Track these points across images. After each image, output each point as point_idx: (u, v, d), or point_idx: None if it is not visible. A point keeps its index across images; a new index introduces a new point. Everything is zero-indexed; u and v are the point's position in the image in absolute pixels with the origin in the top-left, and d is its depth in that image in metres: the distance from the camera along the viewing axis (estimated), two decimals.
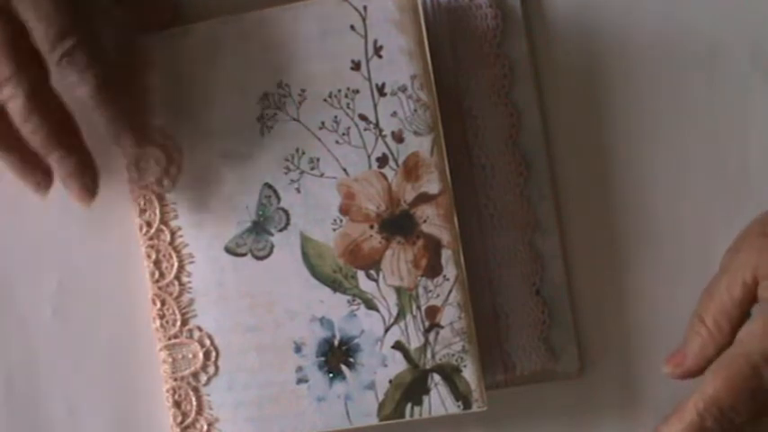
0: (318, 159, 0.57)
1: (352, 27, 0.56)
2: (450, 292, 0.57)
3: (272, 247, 0.58)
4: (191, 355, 0.58)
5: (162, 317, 0.58)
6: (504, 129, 0.59)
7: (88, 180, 0.55)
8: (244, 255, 0.58)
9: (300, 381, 0.58)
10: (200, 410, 0.58)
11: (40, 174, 0.55)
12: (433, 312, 0.57)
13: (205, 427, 0.58)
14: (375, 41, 0.56)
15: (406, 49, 0.56)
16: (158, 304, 0.58)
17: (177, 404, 0.58)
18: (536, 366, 0.58)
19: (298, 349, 0.58)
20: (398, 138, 0.57)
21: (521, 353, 0.59)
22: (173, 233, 0.58)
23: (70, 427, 0.62)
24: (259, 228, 0.58)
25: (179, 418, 0.58)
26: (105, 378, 0.62)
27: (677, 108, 0.60)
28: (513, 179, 0.58)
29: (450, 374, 0.57)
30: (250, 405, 0.58)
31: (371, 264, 0.57)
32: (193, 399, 0.58)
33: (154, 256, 0.58)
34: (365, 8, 0.56)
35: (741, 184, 0.60)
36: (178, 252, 0.58)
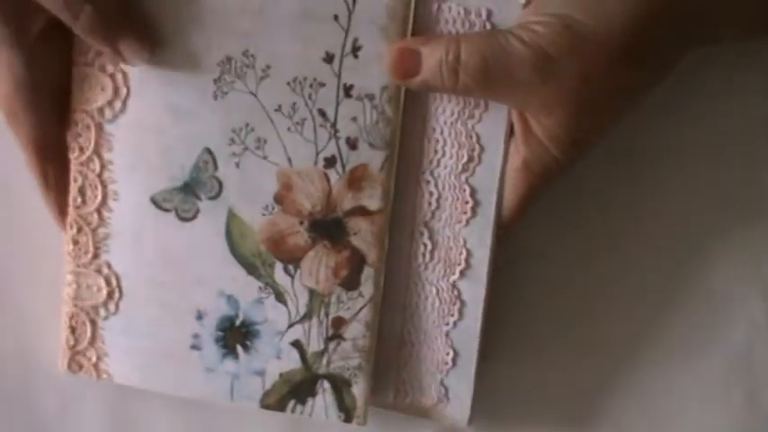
0: (266, 141, 0.54)
1: (336, 17, 0.52)
2: (362, 309, 0.55)
3: (198, 211, 0.56)
4: (95, 288, 0.57)
5: (76, 243, 0.57)
6: (462, 162, 0.55)
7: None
8: (168, 211, 0.56)
9: (194, 347, 0.57)
10: (92, 341, 0.58)
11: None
12: (339, 323, 0.56)
13: (94, 359, 0.58)
14: (355, 40, 0.52)
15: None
16: (74, 230, 0.57)
17: (72, 329, 0.58)
18: (426, 403, 0.57)
19: (199, 317, 0.57)
20: (353, 144, 0.54)
21: (416, 385, 0.58)
22: (103, 165, 0.56)
23: (63, 420, 0.62)
24: (189, 189, 0.55)
25: (71, 342, 0.58)
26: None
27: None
28: (455, 215, 0.55)
29: (339, 386, 0.56)
30: (140, 353, 0.58)
31: (292, 259, 0.55)
32: (89, 329, 0.58)
33: (80, 182, 0.56)
34: (354, 2, 0.52)
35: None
36: (104, 186, 0.56)
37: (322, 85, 0.53)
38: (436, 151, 0.55)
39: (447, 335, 0.56)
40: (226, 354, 0.57)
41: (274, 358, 0.57)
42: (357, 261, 0.55)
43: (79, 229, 0.57)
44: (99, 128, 0.55)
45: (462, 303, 0.56)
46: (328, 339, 0.56)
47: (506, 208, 0.54)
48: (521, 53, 0.49)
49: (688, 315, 0.58)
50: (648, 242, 0.58)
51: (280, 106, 0.53)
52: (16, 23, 0.51)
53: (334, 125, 0.53)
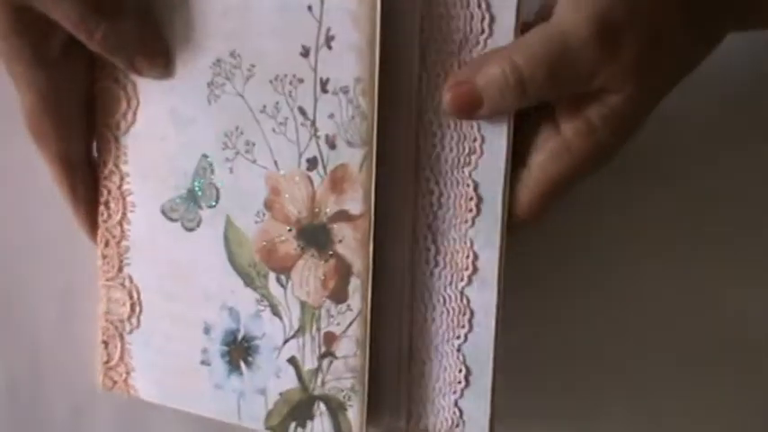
0: (254, 144, 0.52)
1: (310, 8, 0.49)
2: (351, 324, 0.51)
3: (200, 221, 0.54)
4: (121, 302, 0.58)
5: (104, 257, 0.58)
6: (463, 155, 0.49)
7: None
8: (175, 221, 0.55)
9: (204, 362, 0.56)
10: (122, 356, 0.58)
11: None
12: (330, 339, 0.52)
13: (123, 375, 0.58)
14: (328, 30, 0.49)
15: (356, 46, 0.49)
16: (103, 244, 0.58)
17: (105, 344, 0.58)
18: (440, 426, 0.52)
19: (207, 330, 0.55)
20: (331, 143, 0.50)
21: (428, 406, 0.52)
22: (121, 177, 0.56)
23: (73, 428, 0.63)
24: (191, 197, 0.54)
25: (105, 358, 0.58)
26: None
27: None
28: (460, 214, 0.50)
29: (335, 408, 0.52)
30: (159, 369, 0.57)
31: (283, 269, 0.52)
32: (119, 343, 0.58)
33: (105, 196, 0.57)
34: None
35: None
36: (123, 198, 0.57)
37: (301, 81, 0.50)
38: (434, 145, 0.50)
39: (458, 349, 0.51)
40: (231, 370, 0.55)
41: (274, 376, 0.54)
42: (344, 271, 0.51)
43: (106, 243, 0.58)
44: (116, 140, 0.56)
45: (472, 313, 0.50)
46: (321, 357, 0.52)
47: (523, 203, 0.48)
48: (581, 36, 0.44)
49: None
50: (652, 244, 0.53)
51: (264, 107, 0.51)
52: (35, 40, 0.53)
53: (313, 123, 0.50)
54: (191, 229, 0.54)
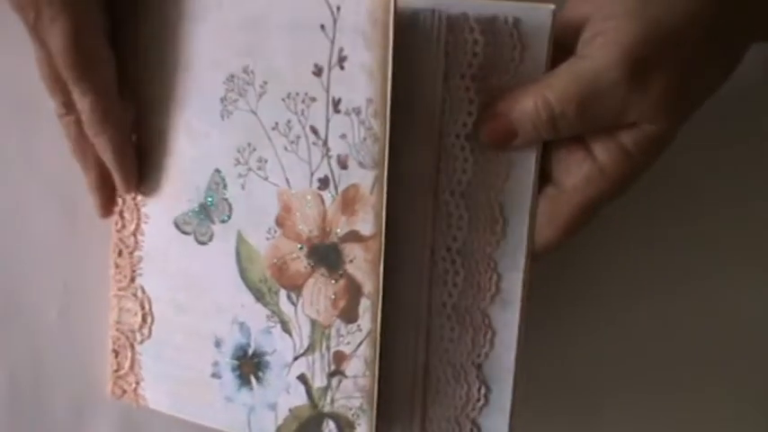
0: (267, 161, 0.52)
1: (323, 27, 0.49)
2: (361, 344, 0.51)
3: (213, 235, 0.54)
4: (132, 312, 0.58)
5: (117, 266, 0.58)
6: (488, 176, 0.49)
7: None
8: (188, 234, 0.55)
9: (214, 375, 0.56)
10: (132, 366, 0.58)
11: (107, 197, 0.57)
12: (340, 358, 0.52)
13: (133, 385, 0.58)
14: (341, 50, 0.49)
15: (368, 67, 0.48)
16: (116, 253, 0.58)
17: (116, 353, 0.59)
18: None
19: (218, 344, 0.55)
20: (343, 163, 0.50)
21: (444, 425, 0.52)
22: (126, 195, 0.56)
23: (74, 428, 0.63)
24: (204, 212, 0.54)
25: (115, 366, 0.59)
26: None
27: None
28: (484, 237, 0.50)
29: (343, 427, 0.52)
30: (170, 380, 0.57)
31: (294, 286, 0.52)
32: (129, 353, 0.58)
33: (120, 206, 0.57)
34: (338, 9, 0.48)
35: None
36: (138, 208, 0.57)
37: (313, 100, 0.50)
38: (455, 168, 0.50)
39: (478, 368, 0.51)
40: (242, 384, 0.55)
41: (284, 392, 0.54)
42: (354, 291, 0.51)
43: (119, 253, 0.58)
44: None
45: (494, 332, 0.50)
46: (331, 375, 0.52)
47: (556, 227, 0.49)
48: (611, 76, 0.45)
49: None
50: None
51: (277, 124, 0.51)
52: None
53: (325, 143, 0.50)
54: (203, 243, 0.54)
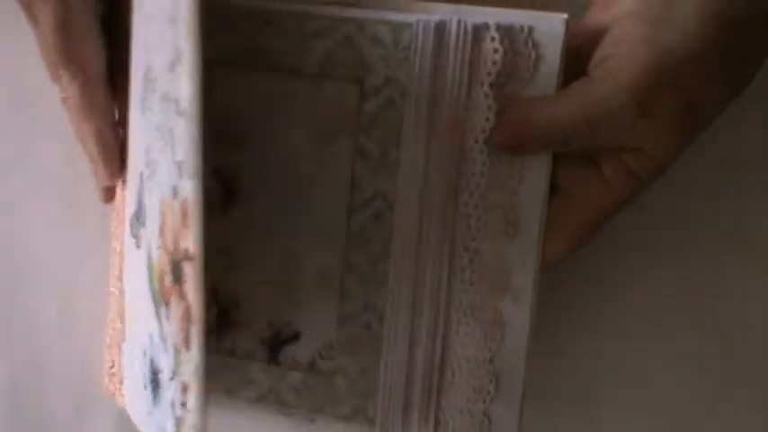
0: (157, 165, 0.49)
1: (172, 20, 0.45)
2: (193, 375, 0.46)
3: (141, 239, 0.53)
4: (118, 311, 0.58)
5: (113, 264, 0.59)
6: (503, 179, 0.50)
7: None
8: (133, 237, 0.54)
9: (144, 386, 0.54)
10: (119, 364, 0.59)
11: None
12: (185, 389, 0.47)
13: (118, 384, 0.59)
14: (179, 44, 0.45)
15: (188, 61, 0.44)
16: (112, 250, 0.59)
17: (109, 348, 0.59)
18: None
19: (144, 354, 0.54)
20: (181, 172, 0.46)
21: (456, 415, 0.53)
22: (124, 182, 0.57)
23: (74, 428, 0.64)
24: (139, 215, 0.53)
25: (109, 363, 0.60)
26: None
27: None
28: (497, 236, 0.51)
29: None
30: (133, 383, 0.57)
31: (167, 303, 0.49)
32: (117, 351, 0.59)
33: (118, 202, 0.58)
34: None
35: None
36: (123, 212, 0.57)
37: (169, 100, 0.46)
38: (474, 172, 0.50)
39: (490, 361, 0.52)
40: (154, 398, 0.52)
41: (171, 416, 0.50)
42: (188, 315, 0.46)
43: (114, 250, 0.58)
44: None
45: (504, 326, 0.51)
46: (182, 405, 0.48)
47: (557, 239, 0.51)
48: (621, 101, 0.46)
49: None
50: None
51: (158, 126, 0.48)
52: None
53: (173, 148, 0.46)
54: (139, 247, 0.53)
